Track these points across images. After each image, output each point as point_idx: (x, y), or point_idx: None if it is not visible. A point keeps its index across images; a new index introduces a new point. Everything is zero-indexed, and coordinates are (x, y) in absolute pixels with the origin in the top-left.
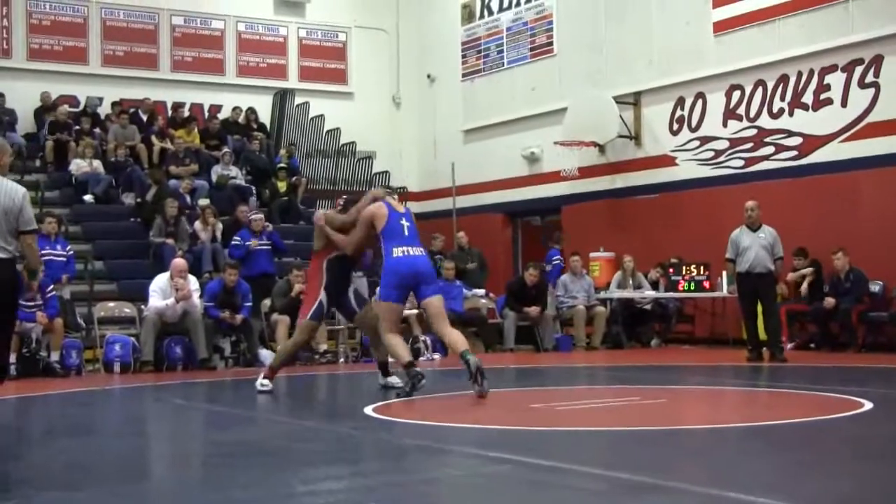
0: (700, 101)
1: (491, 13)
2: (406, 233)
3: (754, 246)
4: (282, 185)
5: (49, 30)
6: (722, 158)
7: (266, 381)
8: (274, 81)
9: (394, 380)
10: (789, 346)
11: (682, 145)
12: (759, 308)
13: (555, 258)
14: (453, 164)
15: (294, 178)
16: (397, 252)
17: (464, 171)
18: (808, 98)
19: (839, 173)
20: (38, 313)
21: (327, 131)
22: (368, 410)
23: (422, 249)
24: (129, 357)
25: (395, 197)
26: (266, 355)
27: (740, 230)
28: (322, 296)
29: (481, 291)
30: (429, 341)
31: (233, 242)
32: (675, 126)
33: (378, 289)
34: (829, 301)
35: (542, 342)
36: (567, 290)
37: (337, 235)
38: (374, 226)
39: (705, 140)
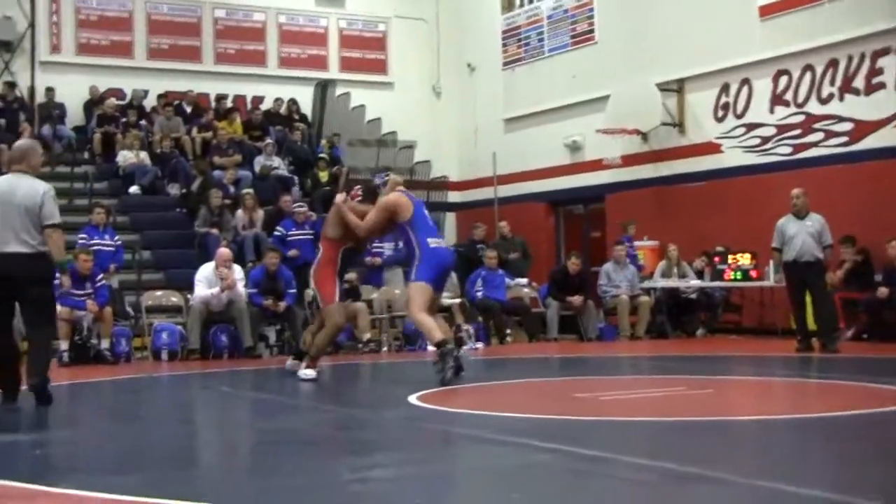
0: (746, 87)
1: (531, 1)
2: (431, 224)
3: (801, 234)
4: (323, 175)
5: (96, 25)
6: (769, 145)
7: (309, 371)
8: (315, 72)
9: (302, 371)
10: (848, 333)
11: (727, 132)
12: (809, 298)
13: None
14: (494, 153)
15: (335, 168)
16: (433, 243)
17: (505, 160)
18: (859, 83)
19: (892, 159)
20: (88, 302)
21: (368, 121)
22: (413, 399)
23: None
24: (176, 345)
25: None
26: None
27: (786, 218)
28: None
29: (524, 280)
30: (471, 330)
31: (275, 233)
32: (720, 113)
33: (414, 271)
34: (883, 291)
35: (586, 332)
36: (610, 280)
37: (353, 218)
38: (394, 214)
39: (751, 127)
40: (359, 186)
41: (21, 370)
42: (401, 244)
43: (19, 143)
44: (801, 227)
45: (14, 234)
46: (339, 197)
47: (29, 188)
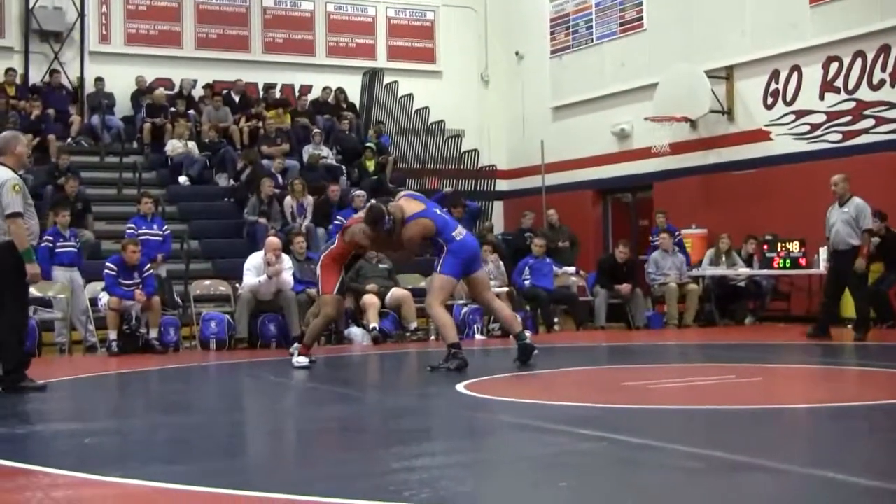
0: (795, 74)
1: None
2: (448, 217)
3: (838, 222)
4: (370, 165)
5: (145, 15)
6: (819, 132)
7: (303, 358)
8: (363, 61)
9: (296, 358)
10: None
11: (776, 119)
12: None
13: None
14: (542, 141)
15: (382, 157)
16: (458, 234)
17: (553, 148)
18: None
19: None
20: (136, 291)
21: (416, 110)
22: (460, 388)
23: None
24: (224, 334)
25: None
26: (356, 332)
27: (831, 207)
28: (342, 273)
29: (572, 269)
30: (519, 318)
31: (335, 222)
32: (770, 100)
33: (440, 263)
34: None
35: (634, 320)
36: (658, 268)
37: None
38: (427, 234)
39: (801, 114)
40: (372, 202)
41: None
42: None
43: (2, 134)
44: (839, 214)
45: None
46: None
47: None
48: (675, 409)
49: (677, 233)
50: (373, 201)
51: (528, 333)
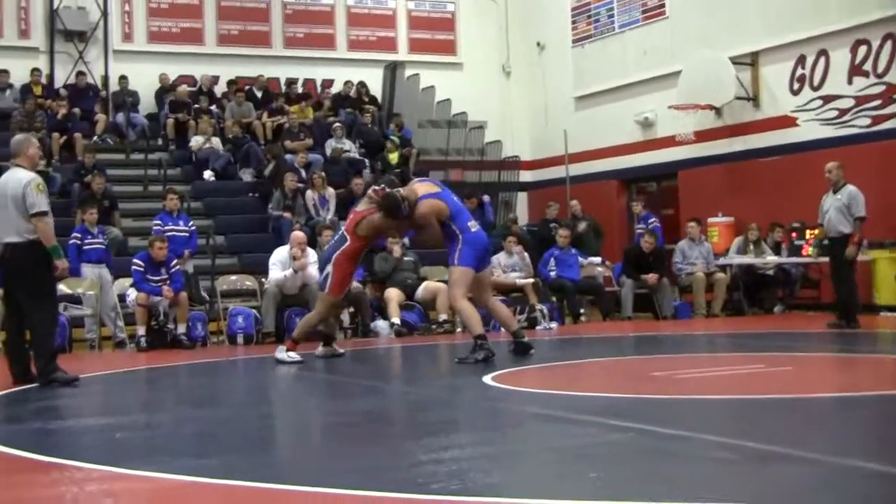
0: (822, 59)
1: None
2: (463, 206)
3: (830, 210)
4: (393, 157)
5: (167, 13)
6: (847, 117)
7: (293, 354)
8: (384, 54)
9: (285, 354)
10: None
11: (803, 105)
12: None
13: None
14: (565, 131)
15: (405, 150)
16: (473, 226)
17: (576, 138)
18: None
19: None
20: (163, 287)
21: (438, 102)
22: (488, 379)
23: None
24: (251, 329)
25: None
26: (382, 326)
27: (826, 194)
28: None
29: (597, 259)
30: (545, 310)
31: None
32: (796, 85)
33: (457, 255)
34: None
35: (661, 310)
36: (685, 257)
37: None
38: (440, 216)
39: (828, 99)
40: (382, 186)
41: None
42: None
43: (15, 137)
44: (832, 201)
45: (9, 226)
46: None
47: (16, 180)
48: (704, 399)
49: (652, 220)
50: (383, 188)
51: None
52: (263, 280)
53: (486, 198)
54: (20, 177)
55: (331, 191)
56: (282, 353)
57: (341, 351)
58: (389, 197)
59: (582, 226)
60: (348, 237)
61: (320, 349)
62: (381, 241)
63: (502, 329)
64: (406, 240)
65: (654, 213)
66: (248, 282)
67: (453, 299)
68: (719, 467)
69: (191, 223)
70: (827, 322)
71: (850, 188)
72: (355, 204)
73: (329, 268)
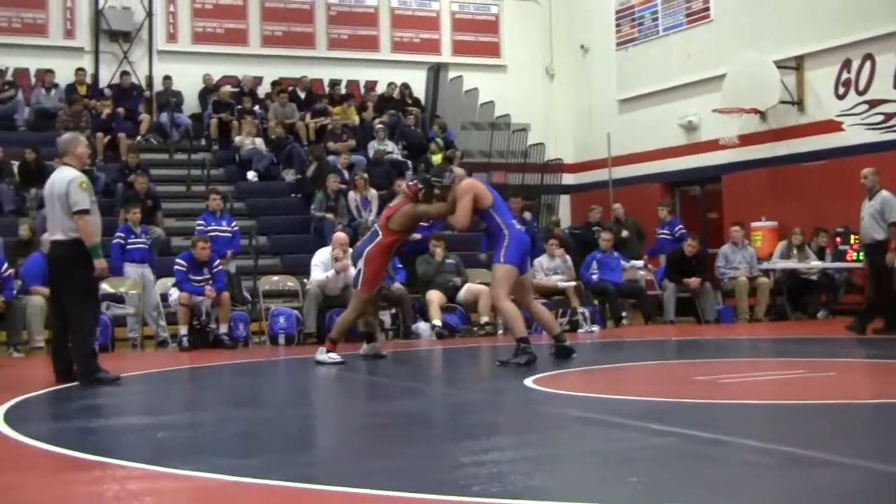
0: (868, 63)
1: None
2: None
3: (865, 216)
4: (436, 159)
5: (211, 13)
6: (892, 122)
7: (333, 355)
8: (427, 56)
9: (327, 355)
10: None
11: (848, 109)
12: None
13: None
14: (609, 134)
15: (449, 152)
16: (518, 225)
17: (619, 141)
18: None
19: None
20: (206, 287)
21: (481, 104)
22: (529, 382)
23: None
24: (293, 329)
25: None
26: (423, 328)
27: (864, 201)
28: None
29: (640, 262)
30: (587, 313)
31: None
32: (841, 90)
33: (503, 252)
34: None
35: (703, 314)
36: (728, 261)
37: (446, 210)
38: (477, 200)
39: (874, 103)
40: (416, 181)
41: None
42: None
43: (63, 136)
44: (867, 208)
45: (55, 224)
46: (409, 185)
47: (61, 179)
48: (745, 404)
49: (678, 227)
50: (416, 184)
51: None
52: (305, 281)
53: (527, 215)
54: (65, 175)
55: (373, 192)
56: (322, 354)
57: (384, 353)
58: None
59: (625, 233)
60: (381, 232)
61: (364, 347)
62: (422, 230)
63: (543, 332)
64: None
65: (679, 220)
66: (290, 282)
67: (496, 299)
68: (759, 472)
69: (234, 223)
70: (874, 328)
71: (885, 194)
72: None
73: (361, 263)
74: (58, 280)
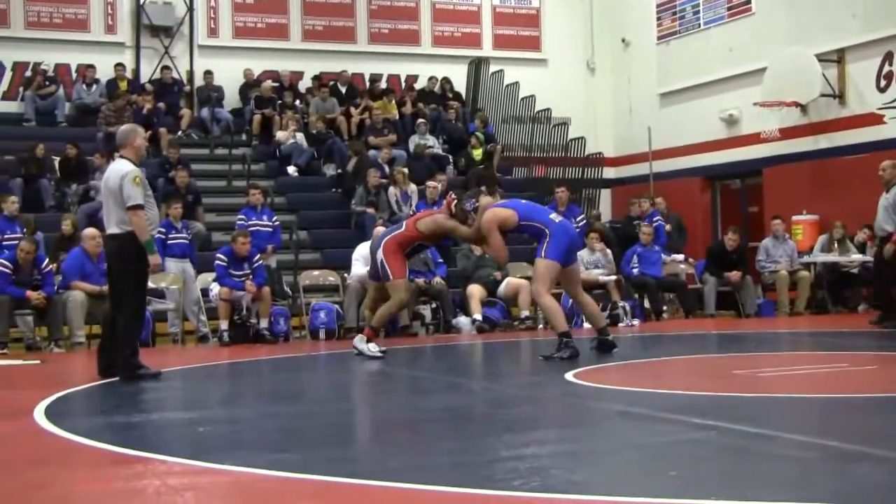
0: None
1: None
2: (542, 206)
3: (880, 209)
4: (477, 154)
5: (252, 8)
6: None
7: (373, 346)
8: (468, 50)
9: (368, 346)
10: None
11: (890, 102)
12: None
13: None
14: (649, 128)
15: (489, 146)
16: (556, 218)
17: (660, 135)
18: None
19: None
20: (246, 282)
21: (522, 98)
22: (569, 376)
23: None
24: (333, 324)
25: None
26: (463, 322)
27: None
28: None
29: (680, 256)
30: (627, 307)
31: None
32: (883, 82)
33: (543, 248)
34: None
35: (744, 307)
36: (769, 255)
37: (469, 232)
38: (503, 226)
39: None
40: (455, 198)
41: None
42: None
43: (122, 127)
44: (883, 200)
45: (108, 218)
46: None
47: (115, 173)
48: (787, 398)
49: (657, 218)
50: (453, 197)
51: (636, 322)
52: (346, 275)
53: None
54: (120, 168)
55: (413, 187)
56: (361, 342)
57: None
58: (458, 212)
59: (668, 227)
60: (405, 225)
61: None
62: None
63: (585, 325)
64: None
65: (658, 211)
66: (331, 277)
67: (537, 295)
68: (801, 466)
69: (274, 218)
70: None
71: None
72: (439, 204)
73: (380, 255)
74: (113, 273)
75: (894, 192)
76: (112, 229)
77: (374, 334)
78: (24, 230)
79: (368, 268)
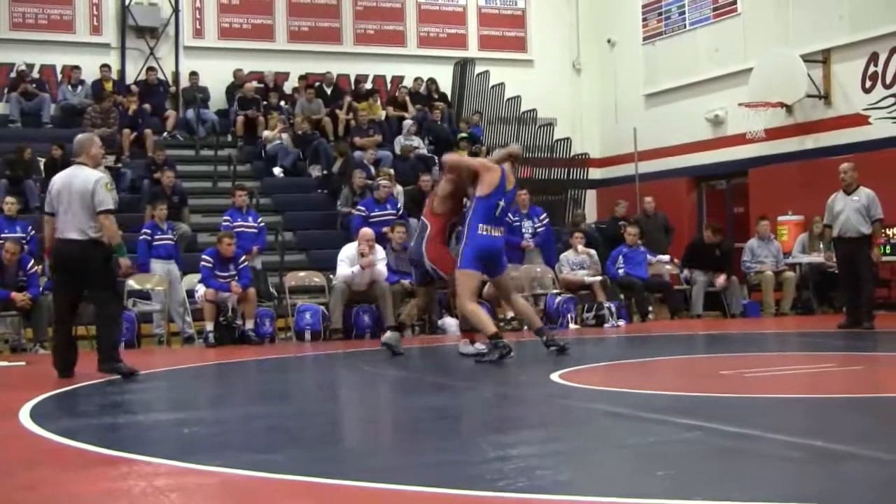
0: (895, 57)
1: None
2: (497, 214)
3: (847, 210)
4: (463, 154)
5: (238, 9)
6: None
7: (479, 344)
8: (454, 51)
9: (475, 346)
10: None
11: (875, 103)
12: None
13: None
14: (635, 128)
15: (475, 147)
16: (482, 230)
17: (646, 135)
18: None
19: None
20: (231, 283)
21: (508, 99)
22: (555, 377)
23: (502, 230)
24: (318, 325)
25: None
26: (449, 323)
27: (836, 195)
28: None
29: (665, 257)
30: (613, 308)
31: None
32: (868, 83)
33: (460, 257)
34: None
35: (730, 308)
36: (754, 255)
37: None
38: (482, 175)
39: None
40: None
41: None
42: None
43: (78, 136)
44: (847, 202)
45: (71, 223)
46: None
47: (83, 178)
48: (773, 398)
49: (543, 216)
50: None
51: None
52: (331, 277)
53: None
54: (88, 174)
55: (399, 188)
56: (467, 347)
57: (402, 351)
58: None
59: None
60: (428, 222)
61: (388, 335)
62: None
63: (569, 326)
64: None
65: (539, 207)
66: (317, 278)
67: (460, 306)
68: (787, 466)
69: (259, 219)
70: (839, 323)
71: (867, 190)
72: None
73: (428, 264)
74: (75, 279)
75: (863, 195)
76: (71, 234)
77: (472, 337)
78: (31, 229)
79: (413, 276)
